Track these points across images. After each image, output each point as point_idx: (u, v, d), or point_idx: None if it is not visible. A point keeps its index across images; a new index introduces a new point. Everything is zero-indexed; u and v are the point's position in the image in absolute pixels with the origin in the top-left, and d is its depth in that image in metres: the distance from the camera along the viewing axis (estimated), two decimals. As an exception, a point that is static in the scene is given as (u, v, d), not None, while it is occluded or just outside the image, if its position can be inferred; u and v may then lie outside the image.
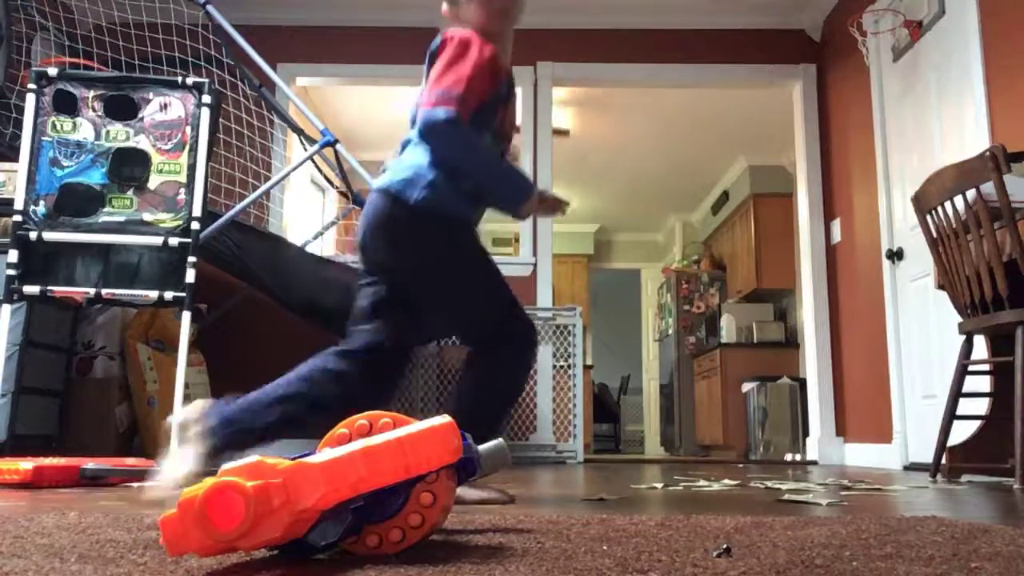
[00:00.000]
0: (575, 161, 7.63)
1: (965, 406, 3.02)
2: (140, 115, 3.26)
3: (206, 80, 3.33)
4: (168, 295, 3.12)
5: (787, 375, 6.74)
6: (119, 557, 0.98)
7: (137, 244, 3.15)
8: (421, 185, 1.97)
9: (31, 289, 3.03)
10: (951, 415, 2.90)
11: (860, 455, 4.63)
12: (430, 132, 1.92)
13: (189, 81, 3.32)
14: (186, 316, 3.12)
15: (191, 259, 3.14)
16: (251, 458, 0.92)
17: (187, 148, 3.28)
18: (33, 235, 3.05)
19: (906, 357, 4.15)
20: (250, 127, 4.94)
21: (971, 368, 2.96)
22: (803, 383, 5.99)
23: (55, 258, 3.10)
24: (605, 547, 1.08)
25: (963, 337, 2.92)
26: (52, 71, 3.26)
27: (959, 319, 2.94)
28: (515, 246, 8.91)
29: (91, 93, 3.25)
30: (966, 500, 2.09)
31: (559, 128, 6.53)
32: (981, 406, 3.04)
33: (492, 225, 9.75)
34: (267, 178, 4.81)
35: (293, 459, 0.95)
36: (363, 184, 4.31)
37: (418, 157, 2.02)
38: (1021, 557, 1.00)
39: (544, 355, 4.87)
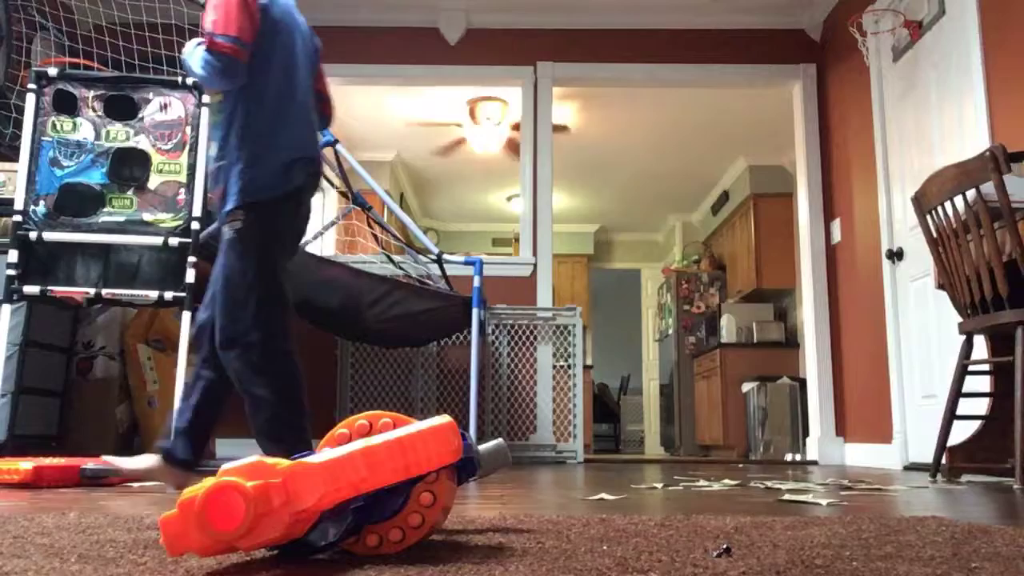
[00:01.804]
0: (575, 161, 7.63)
1: (965, 406, 3.02)
2: (140, 115, 3.26)
3: (206, 80, 3.32)
4: (168, 295, 3.12)
5: (787, 375, 6.74)
6: (119, 557, 0.98)
7: (137, 244, 3.15)
8: None
9: (31, 289, 3.03)
10: (951, 415, 2.90)
11: (860, 455, 4.63)
12: None
13: (189, 81, 3.32)
14: (186, 316, 3.12)
15: (191, 259, 3.14)
16: (251, 458, 0.92)
17: (187, 148, 3.28)
18: (33, 235, 3.05)
19: (906, 357, 4.15)
20: (250, 127, 4.93)
21: (971, 368, 2.96)
22: (803, 383, 5.99)
23: (55, 258, 3.10)
24: (605, 547, 1.08)
25: (963, 337, 2.91)
26: (52, 71, 3.26)
27: (959, 319, 2.94)
28: (515, 246, 8.91)
29: (91, 93, 3.25)
30: (966, 500, 2.09)
31: (559, 124, 6.53)
32: (981, 406, 3.04)
33: (492, 225, 9.76)
34: (267, 178, 4.80)
35: (293, 459, 0.95)
36: (363, 184, 4.31)
37: None
38: (1021, 557, 1.00)
39: (544, 355, 4.87)
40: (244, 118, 2.28)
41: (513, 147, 7.07)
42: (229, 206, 2.25)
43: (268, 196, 2.28)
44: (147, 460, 2.25)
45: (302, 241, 4.35)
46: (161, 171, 3.25)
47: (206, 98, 3.31)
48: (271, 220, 2.29)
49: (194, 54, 2.23)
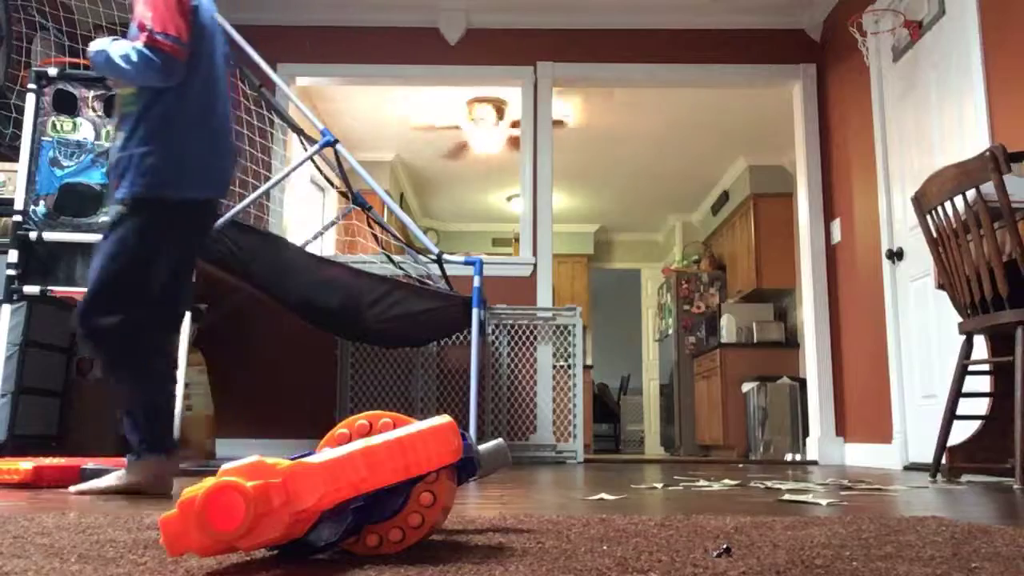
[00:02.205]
0: (575, 161, 7.63)
1: (965, 406, 3.02)
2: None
3: (206, 80, 3.32)
4: (168, 295, 3.11)
5: (787, 375, 6.74)
6: (119, 557, 0.98)
7: (137, 244, 3.14)
8: None
9: (31, 289, 3.03)
10: (951, 415, 2.90)
11: (860, 455, 4.63)
12: None
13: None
14: (186, 316, 3.12)
15: (191, 259, 3.13)
16: (251, 458, 0.92)
17: (187, 148, 3.27)
18: (33, 235, 3.06)
19: (906, 357, 4.15)
20: (250, 127, 4.94)
21: (971, 368, 2.96)
22: (803, 383, 5.99)
23: (55, 258, 3.10)
24: (605, 547, 1.08)
25: (963, 337, 2.91)
26: (52, 71, 3.26)
27: (959, 319, 2.94)
28: (515, 246, 8.90)
29: (91, 93, 3.25)
30: (966, 500, 2.09)
31: (557, 119, 6.52)
32: (981, 406, 3.04)
33: (492, 225, 9.76)
34: (267, 178, 4.81)
35: (293, 459, 0.95)
36: (363, 184, 4.31)
37: None
38: (1021, 557, 1.00)
39: (544, 355, 4.87)
40: (163, 115, 2.22)
41: (515, 143, 7.07)
42: (128, 193, 2.18)
43: (171, 194, 2.22)
44: (115, 476, 2.21)
45: (302, 241, 4.37)
46: (161, 171, 3.24)
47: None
48: (167, 216, 2.24)
49: (113, 48, 2.18)
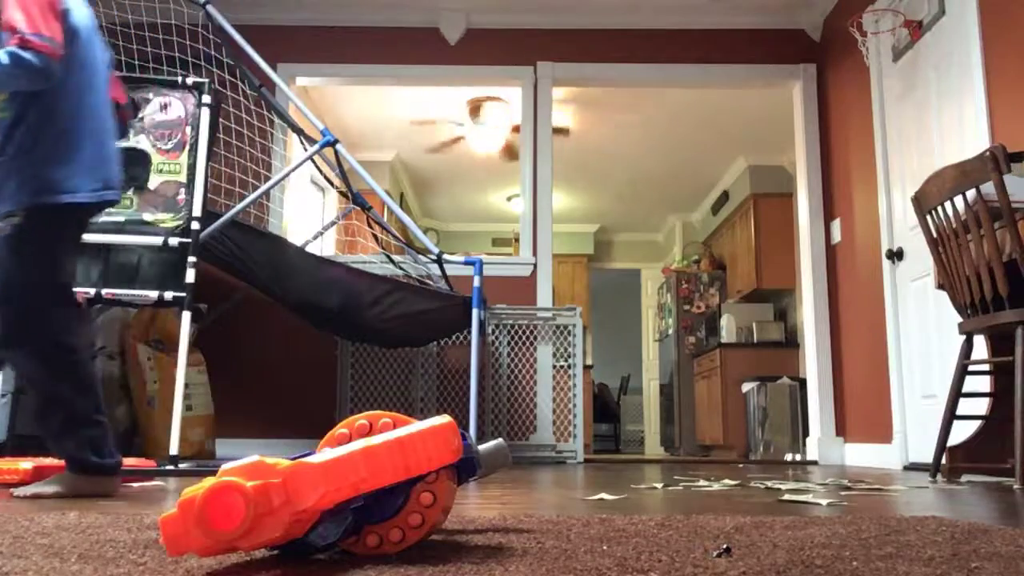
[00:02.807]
0: (575, 161, 7.63)
1: (965, 406, 3.02)
2: (140, 115, 3.26)
3: (206, 80, 3.33)
4: (168, 295, 3.12)
5: (787, 375, 6.74)
6: (119, 557, 0.98)
7: (137, 244, 3.15)
8: None
9: (31, 289, 3.03)
10: (951, 415, 2.90)
11: (860, 455, 4.63)
12: None
13: (189, 81, 3.32)
14: (186, 316, 3.12)
15: (191, 259, 3.14)
16: (251, 458, 0.92)
17: (187, 148, 3.28)
18: (33, 235, 3.05)
19: (906, 357, 4.15)
20: (250, 127, 4.94)
21: (971, 368, 2.96)
22: (803, 383, 5.99)
23: (55, 258, 3.09)
24: (605, 547, 1.08)
25: (963, 337, 2.91)
26: (52, 71, 3.25)
27: (959, 319, 2.94)
28: (515, 246, 8.91)
29: (91, 93, 3.24)
30: (966, 500, 2.09)
31: (559, 127, 6.53)
32: (981, 406, 3.04)
33: (492, 225, 9.76)
34: (267, 178, 4.81)
35: (293, 459, 0.95)
36: (363, 184, 4.32)
37: None
38: (1021, 557, 1.00)
39: (544, 355, 4.87)
40: (38, 120, 2.19)
41: (509, 152, 7.08)
42: (15, 204, 2.16)
43: (59, 199, 2.19)
44: (57, 482, 2.15)
45: (302, 241, 4.37)
46: (161, 171, 3.26)
47: (206, 98, 3.31)
48: (61, 220, 2.23)
49: None
